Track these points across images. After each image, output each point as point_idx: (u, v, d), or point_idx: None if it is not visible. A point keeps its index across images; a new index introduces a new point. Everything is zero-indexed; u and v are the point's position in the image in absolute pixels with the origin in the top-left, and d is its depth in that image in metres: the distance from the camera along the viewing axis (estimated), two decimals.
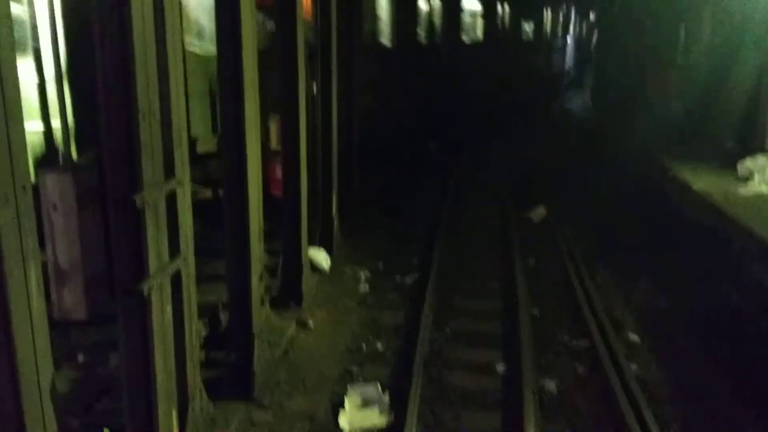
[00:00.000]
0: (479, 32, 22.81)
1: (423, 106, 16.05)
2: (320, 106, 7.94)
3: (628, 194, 10.74)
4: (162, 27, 3.56)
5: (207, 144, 8.04)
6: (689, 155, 9.86)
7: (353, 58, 9.17)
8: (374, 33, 13.48)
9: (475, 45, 22.02)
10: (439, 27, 18.37)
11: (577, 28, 33.96)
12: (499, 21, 24.56)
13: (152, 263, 3.57)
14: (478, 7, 22.17)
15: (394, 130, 13.47)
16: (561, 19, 33.01)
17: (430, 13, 17.49)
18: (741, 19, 10.29)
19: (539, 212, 10.54)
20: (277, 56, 6.28)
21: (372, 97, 11.67)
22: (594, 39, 26.33)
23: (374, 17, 13.44)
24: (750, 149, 9.01)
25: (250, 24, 4.87)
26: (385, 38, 14.07)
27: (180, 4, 3.78)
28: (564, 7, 32.07)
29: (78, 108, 6.22)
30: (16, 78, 2.59)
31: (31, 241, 2.71)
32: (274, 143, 7.74)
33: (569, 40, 34.61)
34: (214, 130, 8.29)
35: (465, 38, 21.15)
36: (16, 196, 2.61)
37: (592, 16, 28.51)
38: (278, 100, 6.42)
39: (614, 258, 8.52)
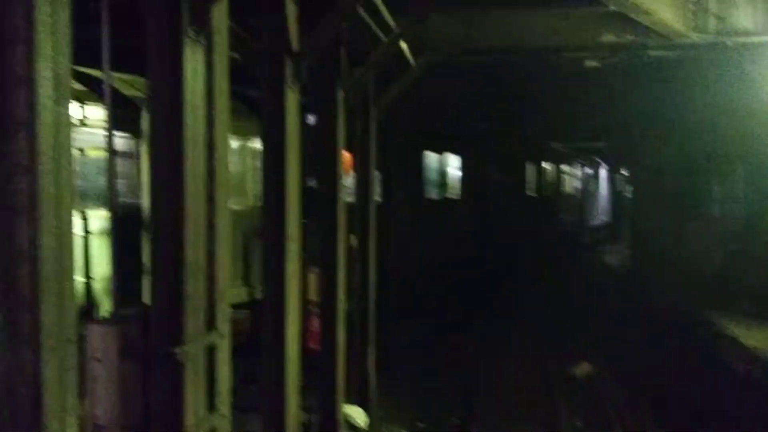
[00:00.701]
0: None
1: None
2: (359, 260, 8.05)
3: (673, 347, 10.36)
4: (212, 185, 3.74)
5: (237, 295, 8.12)
6: (734, 307, 9.61)
7: (392, 211, 9.42)
8: (526, 188, 21.82)
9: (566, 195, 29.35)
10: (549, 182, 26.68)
11: (612, 183, 35.25)
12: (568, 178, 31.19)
13: (189, 418, 3.51)
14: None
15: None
16: (599, 174, 34.79)
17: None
18: None
19: (583, 368, 10.18)
20: (318, 211, 6.49)
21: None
22: (628, 193, 27.18)
23: (524, 177, 21.80)
24: None
25: (296, 183, 5.09)
26: (531, 191, 22.66)
27: (227, 169, 3.99)
28: (598, 164, 33.83)
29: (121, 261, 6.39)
30: (71, 236, 2.72)
31: (72, 395, 2.71)
32: (312, 294, 7.78)
33: (604, 193, 35.78)
34: (245, 281, 8.40)
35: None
36: (61, 349, 2.65)
37: (624, 171, 29.89)
38: (318, 252, 6.55)
39: (666, 416, 8.07)
